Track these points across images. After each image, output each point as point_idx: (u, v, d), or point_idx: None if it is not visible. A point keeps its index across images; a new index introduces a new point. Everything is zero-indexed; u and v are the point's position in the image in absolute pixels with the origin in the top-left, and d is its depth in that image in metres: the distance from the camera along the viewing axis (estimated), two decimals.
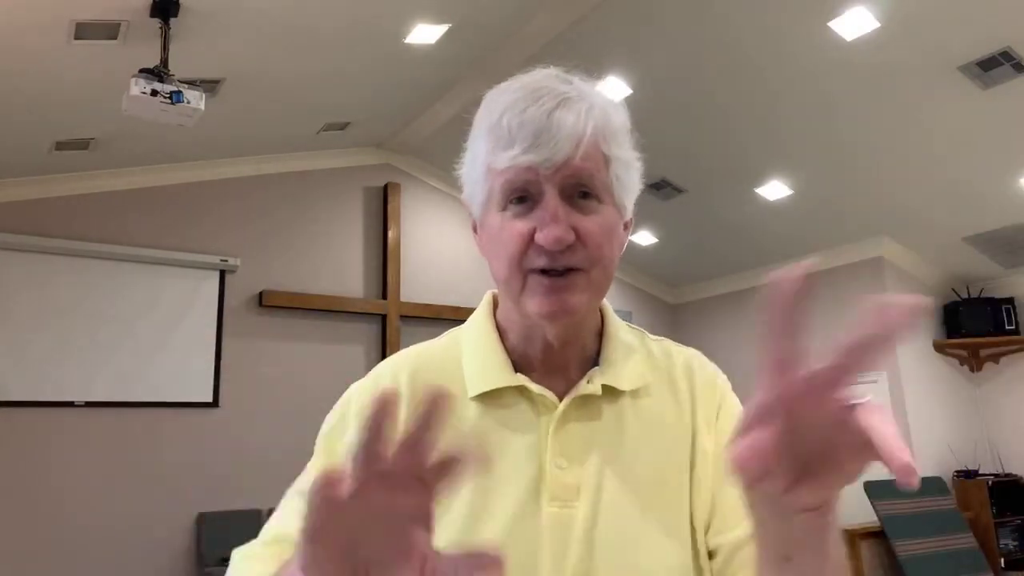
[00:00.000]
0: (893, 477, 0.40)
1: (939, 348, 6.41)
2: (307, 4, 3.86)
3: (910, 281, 6.36)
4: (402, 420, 0.80)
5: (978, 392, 6.53)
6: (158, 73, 3.48)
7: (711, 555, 0.76)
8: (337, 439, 0.79)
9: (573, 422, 0.78)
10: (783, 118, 5.07)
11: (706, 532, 0.76)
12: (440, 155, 6.34)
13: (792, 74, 4.64)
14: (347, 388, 0.84)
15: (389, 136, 6.30)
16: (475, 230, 0.82)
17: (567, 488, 0.75)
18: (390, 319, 6.20)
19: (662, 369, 0.84)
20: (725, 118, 5.20)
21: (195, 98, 3.52)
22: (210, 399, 5.43)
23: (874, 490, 5.05)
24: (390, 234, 6.41)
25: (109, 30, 3.62)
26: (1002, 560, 5.66)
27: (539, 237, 0.71)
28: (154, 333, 5.29)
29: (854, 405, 0.44)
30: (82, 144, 4.81)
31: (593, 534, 0.73)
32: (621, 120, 0.77)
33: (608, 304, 0.85)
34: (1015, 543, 5.85)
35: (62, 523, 4.76)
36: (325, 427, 0.81)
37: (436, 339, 0.88)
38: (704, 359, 0.88)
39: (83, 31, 3.57)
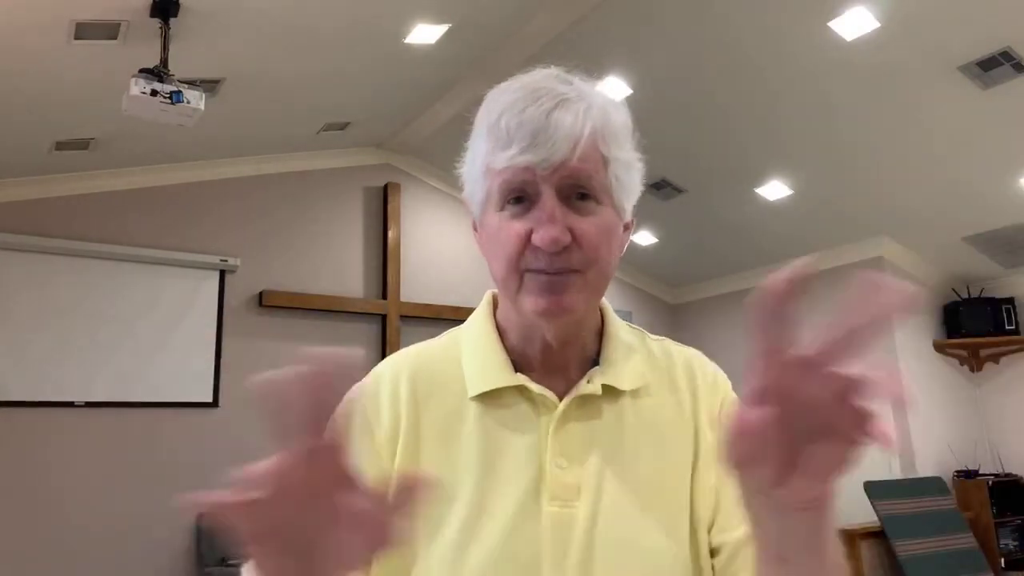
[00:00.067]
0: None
1: (939, 348, 6.40)
2: (307, 4, 3.86)
3: (910, 281, 6.34)
4: (402, 419, 0.80)
5: (978, 392, 6.52)
6: (158, 73, 3.48)
7: (714, 553, 0.76)
8: None
9: (573, 422, 0.77)
10: (783, 118, 5.06)
11: (710, 530, 0.76)
12: (440, 155, 6.33)
13: (792, 74, 4.64)
14: None
15: (389, 136, 6.30)
16: (475, 229, 0.82)
17: (567, 488, 0.74)
18: (390, 319, 6.20)
19: (662, 369, 0.84)
20: (725, 118, 5.19)
21: (195, 98, 3.52)
22: (210, 399, 5.43)
23: (874, 490, 5.04)
24: (390, 234, 6.40)
25: (109, 30, 3.61)
26: (1002, 560, 5.65)
27: (535, 238, 0.71)
28: (154, 333, 5.28)
29: (850, 374, 0.44)
30: (82, 144, 4.81)
31: (593, 534, 0.73)
32: (622, 120, 0.77)
33: (608, 304, 0.85)
34: (1015, 543, 5.84)
35: (62, 523, 4.76)
36: None
37: (436, 339, 0.87)
38: (704, 359, 0.88)
39: (83, 31, 3.57)
